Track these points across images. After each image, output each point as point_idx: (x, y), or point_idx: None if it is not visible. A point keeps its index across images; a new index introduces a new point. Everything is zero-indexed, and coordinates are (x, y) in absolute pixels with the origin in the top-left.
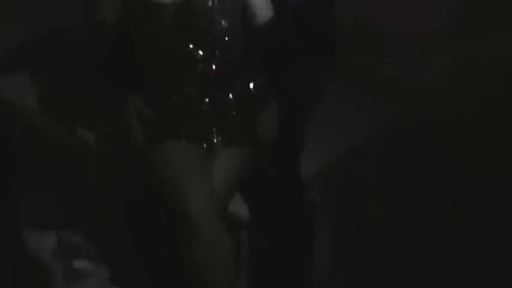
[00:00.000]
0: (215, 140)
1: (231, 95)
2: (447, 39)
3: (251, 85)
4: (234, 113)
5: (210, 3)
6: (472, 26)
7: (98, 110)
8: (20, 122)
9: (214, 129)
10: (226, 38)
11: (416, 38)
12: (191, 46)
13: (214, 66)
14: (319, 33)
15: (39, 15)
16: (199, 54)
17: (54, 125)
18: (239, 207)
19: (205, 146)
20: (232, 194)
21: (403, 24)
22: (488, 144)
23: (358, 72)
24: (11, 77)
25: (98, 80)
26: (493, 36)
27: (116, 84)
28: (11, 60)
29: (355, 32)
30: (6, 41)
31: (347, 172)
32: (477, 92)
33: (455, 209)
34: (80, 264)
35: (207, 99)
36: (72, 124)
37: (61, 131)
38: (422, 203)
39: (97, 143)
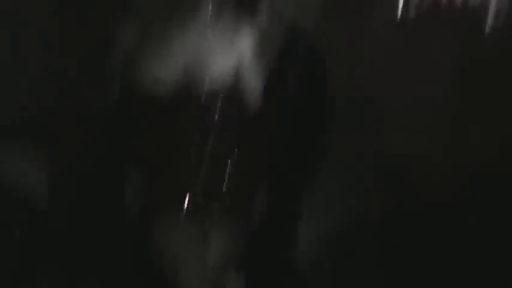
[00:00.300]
0: (211, 215)
1: (225, 175)
2: (439, 112)
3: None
4: (229, 189)
5: (203, 97)
6: (464, 99)
7: (94, 182)
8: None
9: (209, 205)
10: (220, 130)
11: (408, 110)
12: (184, 137)
13: (208, 156)
14: (313, 119)
15: (39, 90)
16: (193, 145)
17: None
18: (235, 283)
19: (201, 220)
20: (228, 269)
21: (395, 97)
22: (482, 218)
23: (352, 145)
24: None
25: (94, 155)
26: (487, 109)
27: (113, 160)
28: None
29: (347, 106)
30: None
31: (343, 241)
32: (471, 164)
33: (454, 280)
34: None
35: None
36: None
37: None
38: (420, 272)
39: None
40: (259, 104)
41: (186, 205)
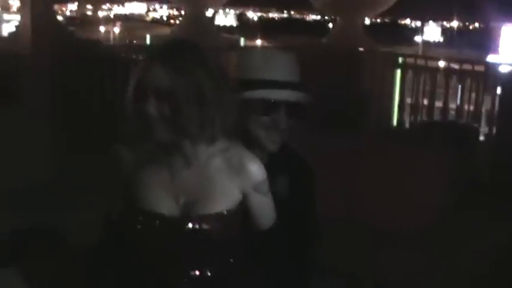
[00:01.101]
0: None
1: None
2: (432, 235)
3: (244, 285)
4: None
5: (209, 225)
6: (455, 223)
7: None
8: None
9: None
10: (222, 245)
11: (403, 234)
12: (186, 253)
13: (209, 273)
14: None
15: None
16: (194, 260)
17: None
18: None
19: None
20: None
21: (390, 221)
22: None
23: (348, 267)
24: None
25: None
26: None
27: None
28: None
29: (344, 228)
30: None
31: None
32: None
33: None
34: None
35: None
36: None
37: None
38: None
39: None
40: (269, 222)
41: None
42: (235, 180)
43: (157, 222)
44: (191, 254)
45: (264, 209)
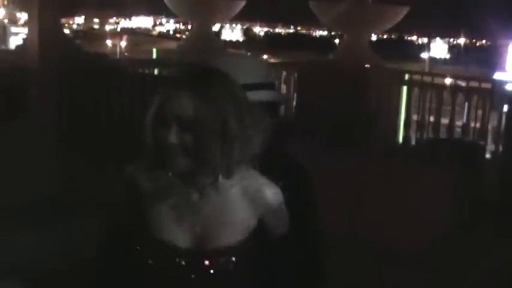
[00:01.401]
0: None
1: None
2: (436, 254)
3: None
4: None
5: (226, 262)
6: (460, 242)
7: None
8: None
9: None
10: (236, 272)
11: (406, 252)
12: (200, 284)
13: None
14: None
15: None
16: None
17: None
18: None
19: None
20: None
21: (393, 239)
22: None
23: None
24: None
25: None
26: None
27: None
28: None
29: (347, 245)
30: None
31: None
32: None
33: None
34: None
35: None
36: None
37: None
38: None
39: None
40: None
41: None
42: (253, 208)
43: (172, 253)
44: (206, 284)
45: (279, 224)
